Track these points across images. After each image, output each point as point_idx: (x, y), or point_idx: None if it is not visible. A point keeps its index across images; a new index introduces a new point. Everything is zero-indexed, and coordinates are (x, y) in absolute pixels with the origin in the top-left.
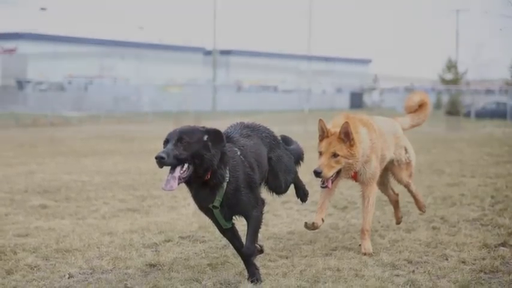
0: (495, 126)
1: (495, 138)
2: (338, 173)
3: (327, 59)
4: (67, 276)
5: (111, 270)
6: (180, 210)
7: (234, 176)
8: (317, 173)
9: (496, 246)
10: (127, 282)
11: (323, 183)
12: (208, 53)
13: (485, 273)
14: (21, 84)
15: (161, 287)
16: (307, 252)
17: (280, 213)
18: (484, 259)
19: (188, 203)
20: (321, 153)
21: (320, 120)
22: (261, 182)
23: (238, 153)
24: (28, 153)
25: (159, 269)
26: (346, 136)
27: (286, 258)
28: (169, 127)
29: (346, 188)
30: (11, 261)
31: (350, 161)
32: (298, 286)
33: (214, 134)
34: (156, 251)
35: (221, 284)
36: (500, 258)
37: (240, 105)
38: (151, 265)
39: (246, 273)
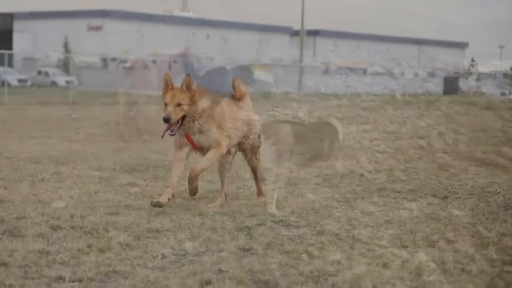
0: None
1: None
2: (183, 119)
3: (418, 41)
4: (160, 256)
5: (204, 253)
6: (271, 194)
7: None
8: (166, 120)
9: None
10: (221, 265)
11: (172, 131)
12: (295, 33)
13: None
14: (105, 62)
15: (257, 271)
16: (408, 242)
17: (376, 201)
18: None
19: (279, 187)
20: (166, 104)
21: (166, 74)
22: None
23: None
24: (114, 131)
25: (254, 253)
26: (187, 88)
27: (386, 248)
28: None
29: (445, 177)
30: (103, 239)
31: (192, 107)
32: (400, 278)
33: None
34: (248, 234)
35: (318, 271)
36: None
37: (327, 88)
38: (245, 249)
39: (344, 262)
